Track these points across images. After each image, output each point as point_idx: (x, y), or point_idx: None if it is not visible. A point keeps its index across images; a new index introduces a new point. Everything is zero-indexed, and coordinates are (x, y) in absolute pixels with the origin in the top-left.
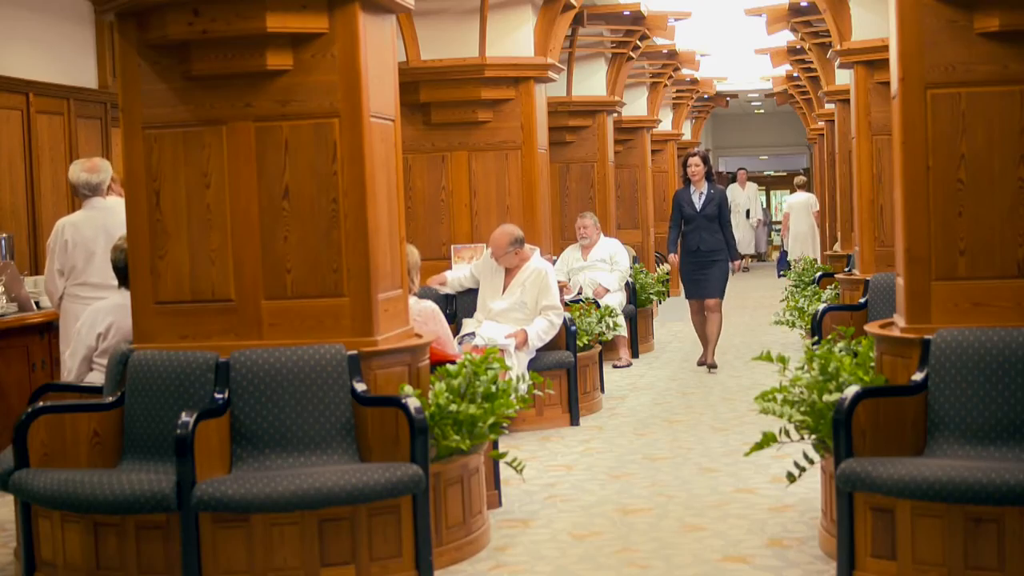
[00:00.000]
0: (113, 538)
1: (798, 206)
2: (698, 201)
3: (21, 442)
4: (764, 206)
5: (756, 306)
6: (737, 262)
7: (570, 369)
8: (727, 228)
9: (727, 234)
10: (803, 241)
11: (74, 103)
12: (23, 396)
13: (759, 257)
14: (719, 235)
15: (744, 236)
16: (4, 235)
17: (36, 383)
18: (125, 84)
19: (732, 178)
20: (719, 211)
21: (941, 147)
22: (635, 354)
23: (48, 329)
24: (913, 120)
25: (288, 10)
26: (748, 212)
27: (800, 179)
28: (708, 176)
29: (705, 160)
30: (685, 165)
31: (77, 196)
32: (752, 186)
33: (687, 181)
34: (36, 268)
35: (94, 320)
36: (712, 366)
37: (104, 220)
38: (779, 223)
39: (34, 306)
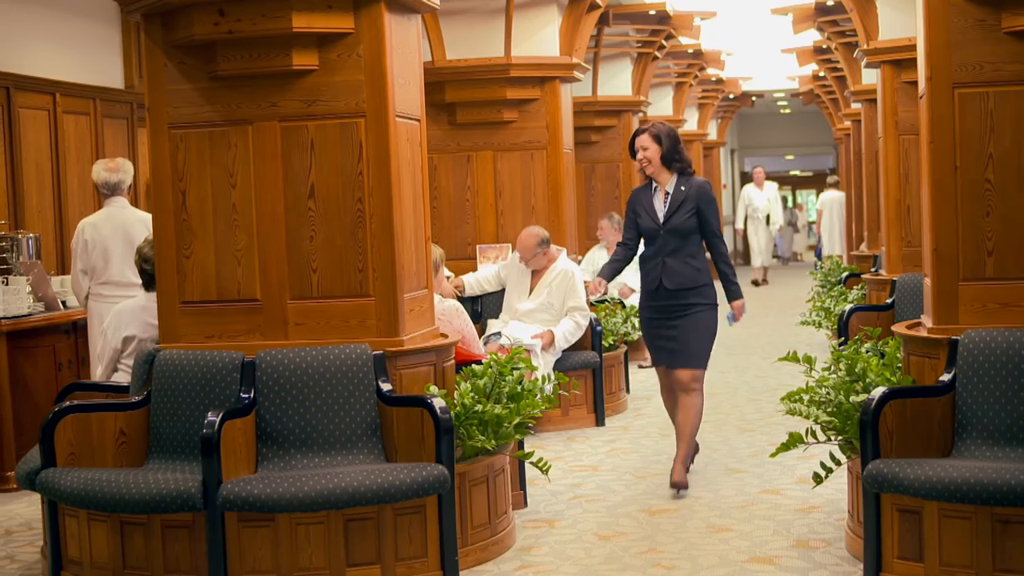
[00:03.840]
0: (139, 537)
1: (831, 203)
2: (660, 206)
3: (48, 441)
4: (791, 206)
5: (782, 306)
6: (739, 303)
7: (595, 369)
8: (718, 247)
9: (719, 258)
10: (837, 238)
11: (100, 103)
12: (50, 395)
13: (783, 261)
14: (697, 262)
15: (763, 245)
16: (31, 235)
17: (63, 382)
18: (151, 84)
19: (748, 178)
20: (699, 219)
21: (969, 147)
22: None
23: (75, 329)
24: (941, 120)
25: (314, 10)
26: (768, 217)
27: (833, 178)
28: (672, 163)
29: (660, 138)
30: (630, 150)
31: (99, 195)
32: (771, 186)
33: (648, 177)
34: (63, 268)
35: (119, 323)
36: (679, 486)
37: (123, 219)
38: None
39: (60, 306)
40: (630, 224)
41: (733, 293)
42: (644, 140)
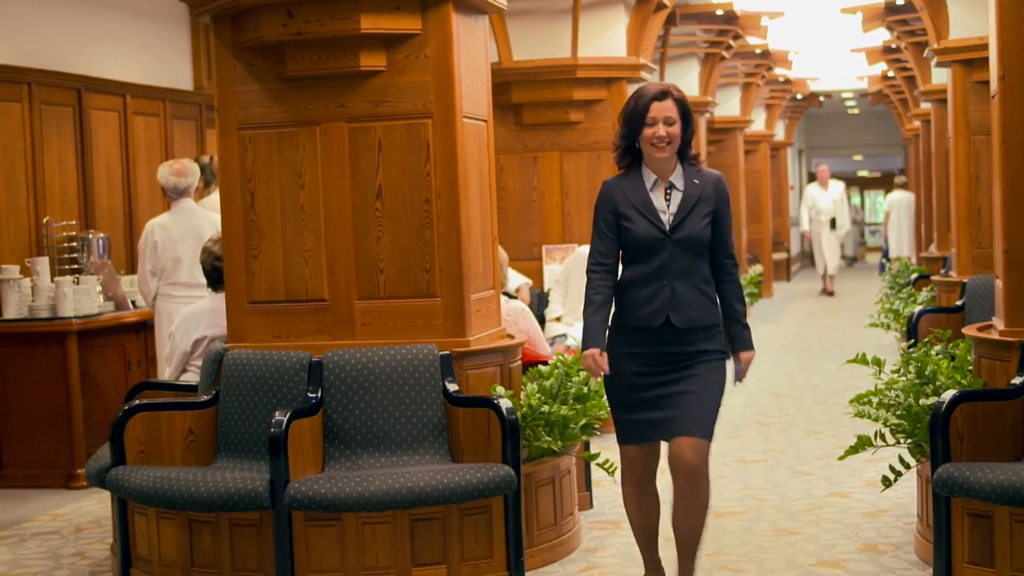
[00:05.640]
0: (207, 535)
1: (899, 204)
2: (664, 204)
3: (118, 439)
4: (856, 206)
5: (850, 308)
6: (749, 355)
7: None
8: (733, 273)
9: (733, 290)
10: (905, 239)
11: (170, 104)
12: (119, 394)
13: (849, 262)
14: (712, 290)
15: (829, 251)
16: (101, 235)
17: (132, 381)
18: (220, 85)
19: (813, 177)
20: (716, 226)
21: None
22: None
23: (144, 328)
24: (1013, 119)
25: (382, 11)
26: (834, 221)
27: (901, 179)
28: (686, 150)
29: (687, 114)
30: (637, 118)
31: (166, 197)
32: (838, 186)
33: (628, 155)
34: (132, 267)
35: (188, 327)
36: None
37: (192, 221)
38: (870, 223)
39: (130, 305)
40: (607, 234)
41: (744, 342)
42: (670, 108)
